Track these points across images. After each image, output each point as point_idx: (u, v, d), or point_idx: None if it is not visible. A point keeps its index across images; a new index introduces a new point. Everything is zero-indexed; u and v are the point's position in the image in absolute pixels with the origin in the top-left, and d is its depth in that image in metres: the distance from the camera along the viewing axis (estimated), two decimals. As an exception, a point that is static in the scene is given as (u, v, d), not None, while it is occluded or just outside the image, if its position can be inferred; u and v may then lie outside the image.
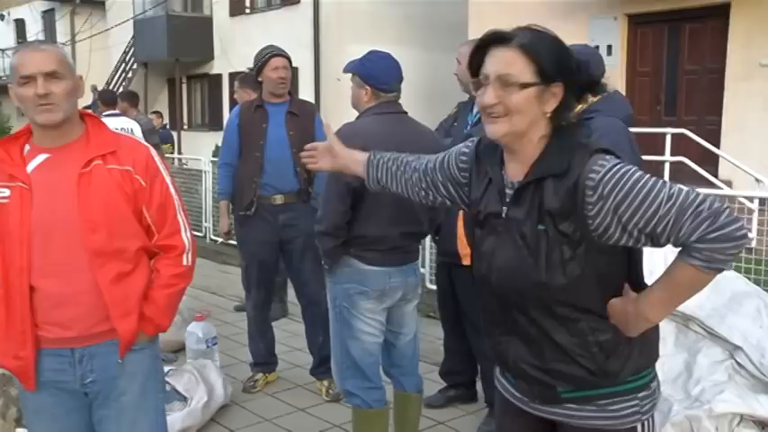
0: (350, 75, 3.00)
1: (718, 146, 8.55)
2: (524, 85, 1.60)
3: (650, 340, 1.74)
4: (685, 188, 1.54)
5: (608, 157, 1.60)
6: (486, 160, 1.80)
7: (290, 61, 4.11)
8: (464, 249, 3.40)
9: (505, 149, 1.72)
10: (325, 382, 4.14)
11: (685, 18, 9.31)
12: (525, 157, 1.67)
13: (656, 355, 1.76)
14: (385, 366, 3.18)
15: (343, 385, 3.07)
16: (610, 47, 9.53)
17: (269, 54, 4.04)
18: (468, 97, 3.80)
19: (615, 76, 9.20)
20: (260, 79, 4.10)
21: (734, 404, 3.11)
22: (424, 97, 12.99)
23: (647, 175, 1.57)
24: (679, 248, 1.55)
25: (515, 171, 1.70)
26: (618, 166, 1.57)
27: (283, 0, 15.28)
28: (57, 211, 2.06)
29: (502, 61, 1.62)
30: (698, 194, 1.52)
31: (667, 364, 3.33)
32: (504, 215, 1.70)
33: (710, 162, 8.40)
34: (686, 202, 1.51)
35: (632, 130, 3.22)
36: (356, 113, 3.05)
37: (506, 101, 1.61)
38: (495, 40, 1.65)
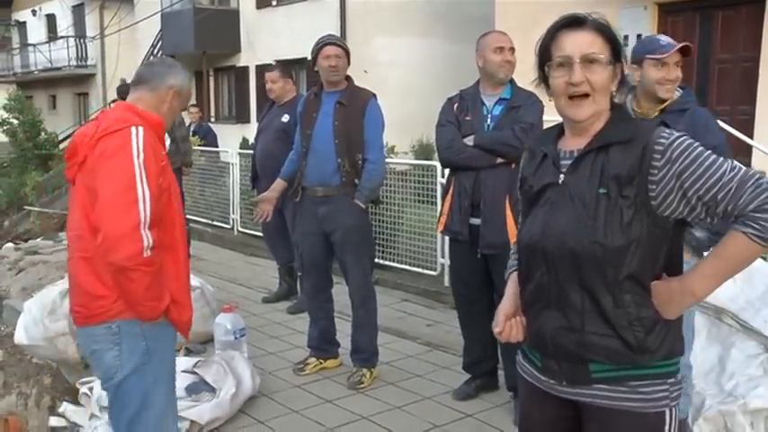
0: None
1: (751, 136, 8.37)
2: (607, 64, 1.72)
3: (679, 330, 1.78)
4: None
5: (671, 129, 1.71)
6: (540, 142, 1.89)
7: (345, 49, 4.09)
8: (515, 238, 3.35)
9: (576, 126, 1.78)
10: (364, 371, 4.18)
11: (718, 5, 9.12)
12: (591, 129, 1.77)
13: (682, 347, 1.79)
14: None
15: None
16: (639, 36, 9.36)
17: (322, 43, 4.06)
18: (458, 91, 3.78)
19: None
20: (316, 69, 4.11)
21: (769, 399, 3.05)
22: (451, 89, 12.89)
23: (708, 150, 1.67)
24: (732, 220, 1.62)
25: (575, 142, 1.79)
26: (685, 137, 1.68)
27: (309, -8, 15.26)
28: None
29: (584, 42, 1.72)
30: (756, 171, 1.63)
31: (700, 358, 3.28)
32: (560, 182, 1.77)
33: (743, 152, 8.22)
34: (747, 173, 1.62)
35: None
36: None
37: (592, 79, 1.71)
38: (568, 23, 1.75)
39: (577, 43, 1.72)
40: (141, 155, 2.27)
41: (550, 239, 1.74)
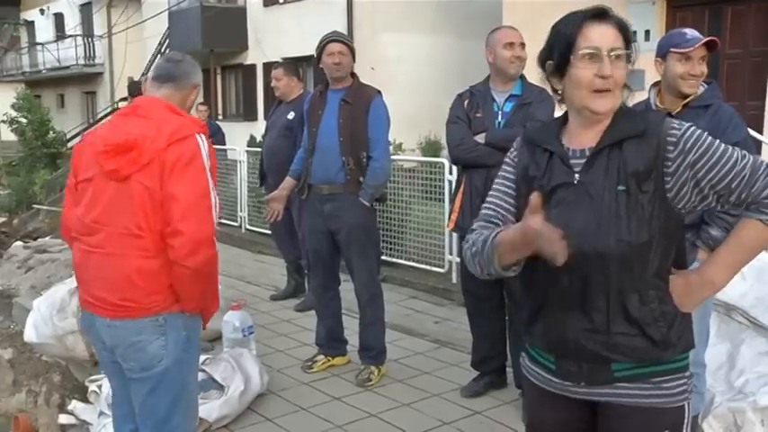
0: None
1: (760, 131, 8.33)
2: (626, 61, 1.72)
3: (691, 323, 1.78)
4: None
5: (679, 120, 1.72)
6: (540, 139, 1.83)
7: (349, 47, 4.07)
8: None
9: (587, 121, 1.74)
10: (372, 368, 4.18)
11: (727, 0, 9.06)
12: (600, 125, 1.74)
13: (693, 340, 1.80)
14: None
15: None
16: (647, 32, 9.32)
17: (325, 40, 4.05)
18: (468, 87, 3.75)
19: (653, 61, 8.98)
20: (320, 66, 4.10)
21: (780, 397, 3.03)
22: (459, 85, 12.85)
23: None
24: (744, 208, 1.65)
25: (585, 140, 1.75)
26: (694, 127, 1.69)
27: (316, -11, 15.24)
28: None
29: (609, 36, 1.70)
30: (765, 160, 1.65)
31: (709, 354, 3.26)
32: (575, 182, 1.72)
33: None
34: (758, 161, 1.65)
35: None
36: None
37: (615, 73, 1.69)
38: (594, 15, 1.72)
39: (605, 36, 1.69)
40: (208, 163, 2.40)
41: (572, 241, 1.65)
